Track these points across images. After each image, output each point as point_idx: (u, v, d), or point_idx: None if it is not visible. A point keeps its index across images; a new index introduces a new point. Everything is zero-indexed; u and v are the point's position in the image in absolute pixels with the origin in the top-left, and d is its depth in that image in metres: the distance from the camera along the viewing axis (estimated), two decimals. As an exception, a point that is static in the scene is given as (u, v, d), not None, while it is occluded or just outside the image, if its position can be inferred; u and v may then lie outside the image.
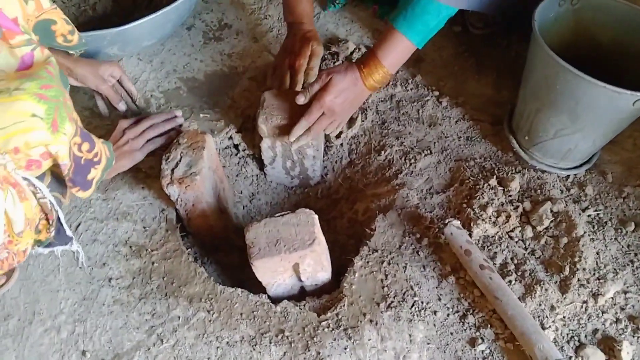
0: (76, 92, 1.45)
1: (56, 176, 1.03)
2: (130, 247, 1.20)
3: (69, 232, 1.06)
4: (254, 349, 1.06)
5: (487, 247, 1.18)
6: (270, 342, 1.07)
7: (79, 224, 1.25)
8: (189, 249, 1.24)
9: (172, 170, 1.17)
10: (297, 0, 1.44)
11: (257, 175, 1.48)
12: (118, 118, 1.36)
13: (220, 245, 1.38)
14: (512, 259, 1.16)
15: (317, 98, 1.23)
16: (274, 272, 1.11)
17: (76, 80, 1.30)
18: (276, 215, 1.11)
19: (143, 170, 1.33)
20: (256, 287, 1.17)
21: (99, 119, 1.44)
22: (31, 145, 0.82)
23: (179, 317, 1.11)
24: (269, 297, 1.16)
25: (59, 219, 1.01)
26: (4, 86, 0.81)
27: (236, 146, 1.45)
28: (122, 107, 1.38)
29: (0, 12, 0.85)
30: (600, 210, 1.23)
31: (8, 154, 0.82)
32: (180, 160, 1.19)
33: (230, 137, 1.45)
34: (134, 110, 1.43)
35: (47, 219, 0.99)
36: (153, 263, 1.18)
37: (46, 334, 1.10)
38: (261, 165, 1.45)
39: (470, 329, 1.08)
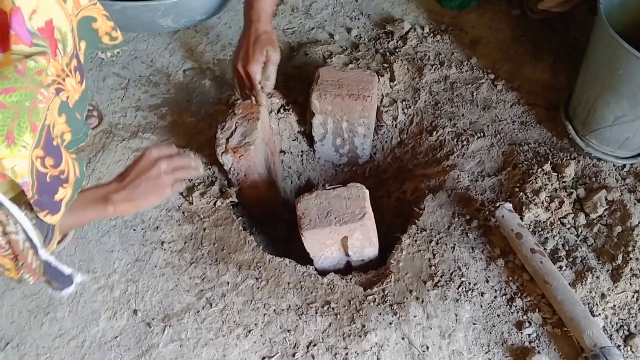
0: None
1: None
2: (183, 212, 1.23)
3: (67, 271, 0.90)
4: (300, 318, 1.08)
5: (539, 232, 1.16)
6: (317, 313, 1.09)
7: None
8: (239, 218, 1.26)
9: (227, 139, 1.19)
10: None
11: (306, 151, 1.49)
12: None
13: (267, 218, 1.40)
14: (563, 245, 1.14)
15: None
16: (323, 245, 1.12)
17: None
18: (327, 187, 1.11)
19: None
20: (301, 261, 1.19)
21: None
22: None
23: (228, 283, 1.13)
24: (315, 269, 1.17)
25: (49, 262, 0.85)
26: None
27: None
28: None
29: (19, 13, 0.75)
30: (657, 201, 1.21)
31: None
32: (235, 130, 1.20)
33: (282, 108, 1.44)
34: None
35: (16, 258, 0.81)
36: (204, 229, 1.20)
37: (100, 291, 1.14)
38: (311, 141, 1.46)
39: (518, 312, 1.07)
